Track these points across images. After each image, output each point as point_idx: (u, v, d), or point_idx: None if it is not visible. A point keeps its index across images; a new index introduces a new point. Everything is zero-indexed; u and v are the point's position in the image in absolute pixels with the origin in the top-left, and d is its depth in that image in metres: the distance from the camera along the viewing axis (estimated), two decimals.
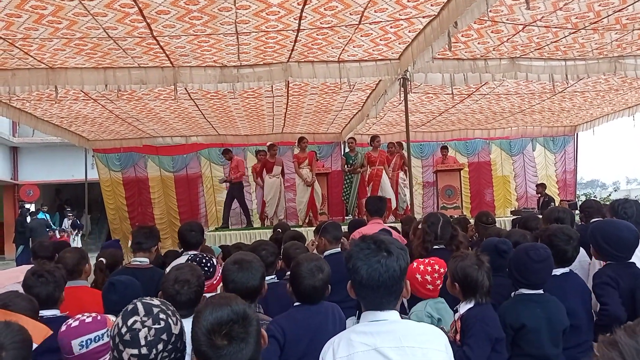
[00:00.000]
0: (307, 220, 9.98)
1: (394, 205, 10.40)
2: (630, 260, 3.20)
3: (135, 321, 1.62)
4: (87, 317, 2.43)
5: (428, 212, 4.88)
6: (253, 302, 2.68)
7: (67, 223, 17.50)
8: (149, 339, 1.60)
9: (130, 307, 1.66)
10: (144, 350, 1.59)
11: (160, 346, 1.61)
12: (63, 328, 2.35)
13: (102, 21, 4.99)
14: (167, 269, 3.16)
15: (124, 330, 1.60)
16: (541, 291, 2.88)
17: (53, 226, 16.70)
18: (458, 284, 2.74)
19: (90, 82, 6.46)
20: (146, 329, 1.61)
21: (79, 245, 15.68)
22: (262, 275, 2.71)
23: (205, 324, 1.50)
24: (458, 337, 2.66)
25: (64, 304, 3.05)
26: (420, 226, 3.90)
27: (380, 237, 1.80)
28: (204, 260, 3.29)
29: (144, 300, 1.70)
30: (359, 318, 2.00)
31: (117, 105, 8.62)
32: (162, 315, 1.67)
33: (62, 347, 2.30)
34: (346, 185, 10.65)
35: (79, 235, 17.14)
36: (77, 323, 2.35)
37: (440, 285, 3.04)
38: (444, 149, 11.67)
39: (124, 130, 10.89)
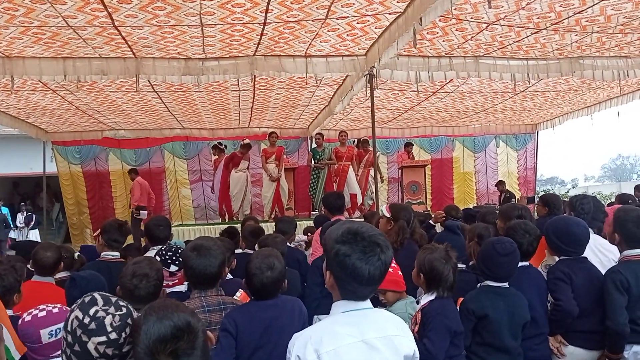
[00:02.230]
0: (272, 216, 9.96)
1: (359, 200, 10.48)
2: (583, 256, 3.30)
3: (97, 310, 1.57)
4: (53, 307, 2.45)
5: (398, 204, 4.86)
6: (213, 287, 2.68)
7: (21, 218, 16.97)
8: (115, 324, 1.56)
9: (87, 298, 1.62)
10: (113, 336, 1.55)
11: (127, 330, 1.58)
12: (28, 318, 2.33)
13: (62, 9, 4.84)
14: None
15: (86, 320, 1.55)
16: (506, 284, 2.96)
17: (11, 223, 16.19)
18: (423, 275, 2.81)
19: (48, 72, 6.25)
20: (110, 315, 1.58)
21: (38, 239, 15.27)
22: (221, 261, 2.71)
23: (147, 343, 1.42)
24: (416, 328, 2.71)
25: (26, 296, 2.98)
26: (393, 221, 3.96)
27: (369, 231, 1.74)
28: (172, 252, 3.24)
29: (99, 293, 1.66)
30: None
31: (77, 97, 8.39)
32: (121, 303, 1.64)
33: (28, 337, 2.29)
34: (313, 181, 10.66)
35: (35, 229, 16.65)
36: (44, 313, 2.34)
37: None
38: (409, 145, 11.80)
39: (84, 122, 10.61)
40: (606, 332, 3.01)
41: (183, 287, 3.23)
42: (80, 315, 1.57)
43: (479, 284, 3.05)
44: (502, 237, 3.14)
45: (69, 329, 1.57)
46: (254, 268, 2.61)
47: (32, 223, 16.75)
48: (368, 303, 1.77)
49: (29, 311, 2.40)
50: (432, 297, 2.76)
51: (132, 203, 10.95)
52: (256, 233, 4.56)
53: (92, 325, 1.55)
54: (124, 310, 1.62)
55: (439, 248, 2.88)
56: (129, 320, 1.60)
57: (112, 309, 1.60)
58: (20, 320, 2.36)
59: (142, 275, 2.52)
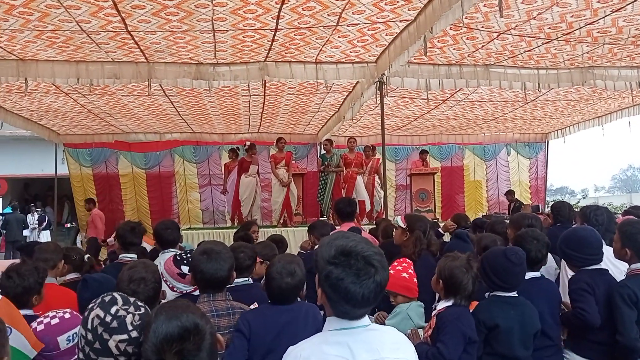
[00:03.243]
0: (281, 221, 9.97)
1: (368, 207, 10.46)
2: (604, 268, 3.26)
3: (118, 309, 1.63)
4: (64, 313, 2.45)
5: (414, 214, 4.79)
6: (221, 291, 2.69)
7: (31, 219, 17.11)
8: (135, 323, 1.61)
9: (107, 298, 1.67)
10: (134, 334, 1.60)
11: None
12: (41, 327, 2.33)
13: (75, 14, 4.89)
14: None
15: (108, 318, 1.61)
16: (515, 294, 2.94)
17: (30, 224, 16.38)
18: (443, 281, 2.80)
19: (62, 75, 6.32)
20: (131, 315, 1.63)
21: (49, 239, 15.40)
22: (230, 265, 2.72)
23: (154, 342, 1.45)
24: (430, 332, 2.70)
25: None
26: (409, 232, 3.92)
27: (362, 250, 1.63)
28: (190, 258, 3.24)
29: (118, 293, 1.72)
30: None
31: (90, 100, 8.47)
32: (139, 303, 1.70)
33: (45, 345, 2.29)
34: (321, 187, 10.66)
35: (47, 230, 16.78)
36: (57, 320, 2.36)
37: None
38: (424, 152, 11.70)
39: (95, 125, 10.70)
40: (617, 347, 2.97)
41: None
42: (102, 314, 1.61)
43: (486, 294, 3.03)
44: (513, 247, 3.10)
45: (89, 327, 1.61)
46: (274, 272, 2.62)
47: (45, 224, 16.87)
48: (365, 320, 1.67)
49: (39, 320, 2.41)
50: (448, 304, 2.75)
51: (97, 235, 10.91)
52: (277, 241, 4.65)
53: (114, 324, 1.60)
54: (143, 310, 1.68)
55: (461, 257, 2.86)
56: (147, 319, 1.64)
57: (132, 309, 1.66)
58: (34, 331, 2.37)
59: (139, 279, 2.52)
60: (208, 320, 1.58)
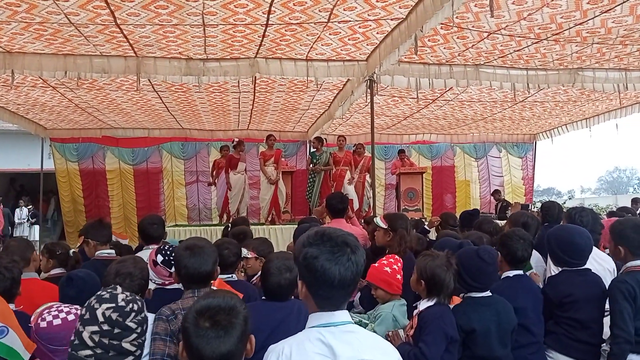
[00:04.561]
0: (269, 219, 9.95)
1: (356, 206, 10.46)
2: (586, 267, 3.28)
3: (123, 298, 1.90)
4: (77, 310, 2.37)
5: (393, 213, 4.80)
6: (205, 286, 2.68)
7: (19, 214, 16.92)
8: (138, 317, 1.89)
9: (113, 291, 1.92)
10: (139, 330, 1.90)
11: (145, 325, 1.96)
12: (58, 322, 2.22)
13: (64, 6, 4.83)
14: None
15: (122, 303, 1.87)
16: (489, 293, 2.95)
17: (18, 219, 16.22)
18: (424, 281, 2.79)
19: (49, 68, 6.23)
20: (136, 305, 1.92)
21: (37, 236, 15.32)
22: (214, 260, 2.71)
23: (197, 307, 1.59)
24: (412, 332, 2.70)
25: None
26: (392, 231, 3.91)
27: (337, 232, 1.69)
28: (169, 252, 3.22)
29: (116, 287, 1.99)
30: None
31: (77, 94, 8.38)
32: (137, 297, 1.99)
33: (57, 340, 2.20)
34: (309, 185, 10.65)
35: (36, 225, 16.62)
36: (72, 317, 2.28)
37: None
38: (402, 152, 11.82)
39: (83, 120, 10.59)
40: (614, 342, 2.92)
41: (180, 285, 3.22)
42: (112, 305, 1.86)
43: (460, 295, 3.02)
44: (485, 246, 3.13)
45: (106, 313, 1.85)
46: (272, 268, 2.63)
47: (36, 219, 16.70)
48: (345, 315, 1.68)
49: (53, 314, 2.30)
50: (431, 303, 2.75)
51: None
52: (238, 233, 4.68)
53: (127, 308, 1.89)
54: (139, 304, 1.95)
55: (441, 255, 2.87)
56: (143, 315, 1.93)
57: (133, 300, 1.93)
58: (45, 324, 2.24)
59: (126, 274, 2.52)
60: (246, 307, 1.65)
